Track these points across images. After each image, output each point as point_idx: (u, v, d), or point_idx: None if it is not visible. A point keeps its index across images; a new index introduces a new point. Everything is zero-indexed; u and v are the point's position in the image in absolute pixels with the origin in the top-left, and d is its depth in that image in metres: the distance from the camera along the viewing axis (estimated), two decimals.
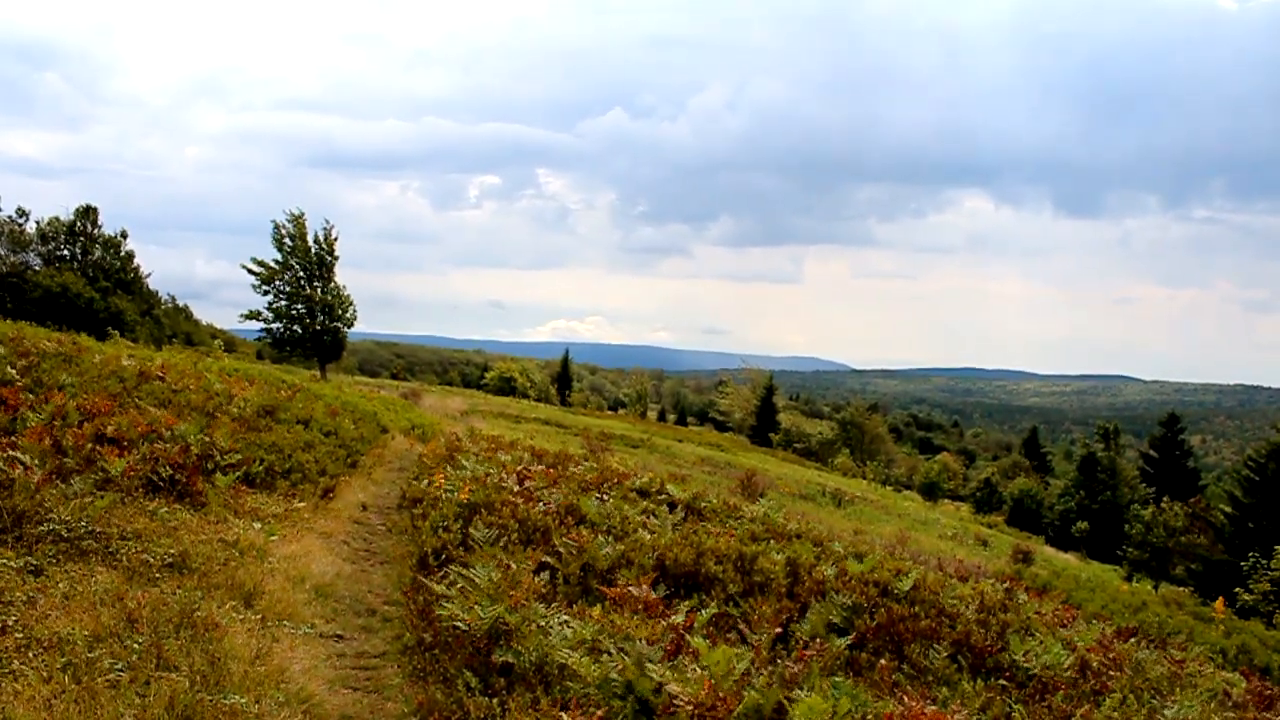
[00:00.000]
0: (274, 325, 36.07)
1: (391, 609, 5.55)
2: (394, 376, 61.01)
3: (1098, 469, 48.09)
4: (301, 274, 35.56)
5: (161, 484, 6.11)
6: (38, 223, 36.36)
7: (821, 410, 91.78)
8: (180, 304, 53.63)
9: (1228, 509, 32.33)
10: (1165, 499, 35.08)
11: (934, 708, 4.06)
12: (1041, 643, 5.91)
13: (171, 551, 4.96)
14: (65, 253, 36.72)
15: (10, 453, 5.64)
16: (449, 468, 9.02)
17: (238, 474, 7.17)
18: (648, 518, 7.54)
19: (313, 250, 35.69)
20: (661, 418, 75.34)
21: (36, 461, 5.64)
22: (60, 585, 4.14)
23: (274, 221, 35.87)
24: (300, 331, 35.49)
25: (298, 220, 35.62)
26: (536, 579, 5.07)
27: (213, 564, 5.04)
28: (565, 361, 71.70)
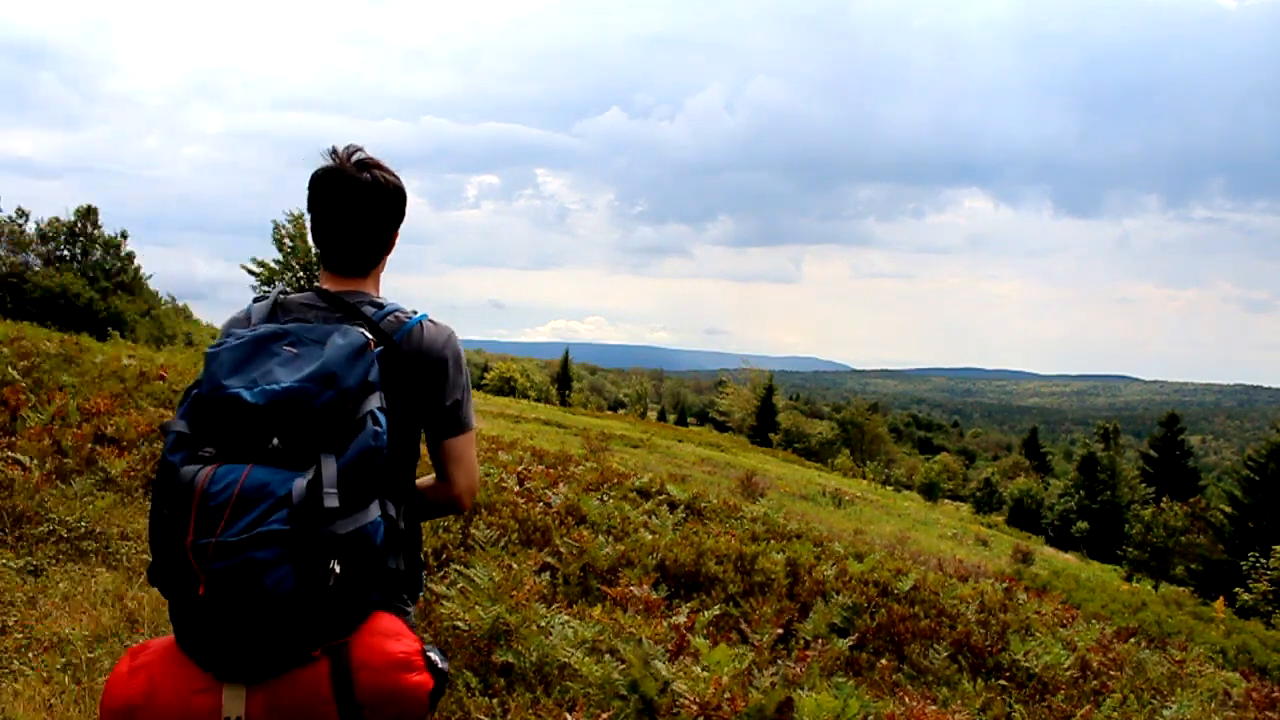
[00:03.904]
0: None
1: None
2: None
3: (1098, 469, 48.10)
4: (301, 274, 35.53)
5: None
6: (37, 223, 36.39)
7: (821, 410, 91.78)
8: (180, 304, 53.61)
9: (1228, 509, 32.38)
10: (1165, 499, 35.11)
11: (935, 708, 4.06)
12: (1041, 643, 5.91)
13: None
14: (65, 253, 36.74)
15: (10, 453, 5.64)
16: None
17: None
18: (648, 518, 7.54)
19: (313, 250, 35.68)
20: (661, 418, 75.32)
21: (36, 462, 5.64)
22: (60, 585, 4.14)
23: (274, 221, 35.83)
24: None
25: (298, 220, 35.60)
26: (538, 579, 5.07)
27: None
28: (565, 361, 71.70)
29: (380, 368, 1.64)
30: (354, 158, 1.79)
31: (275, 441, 1.51)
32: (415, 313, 1.84)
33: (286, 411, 1.51)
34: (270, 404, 1.51)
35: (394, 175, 1.83)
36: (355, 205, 1.77)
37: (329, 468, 1.49)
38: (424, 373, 1.80)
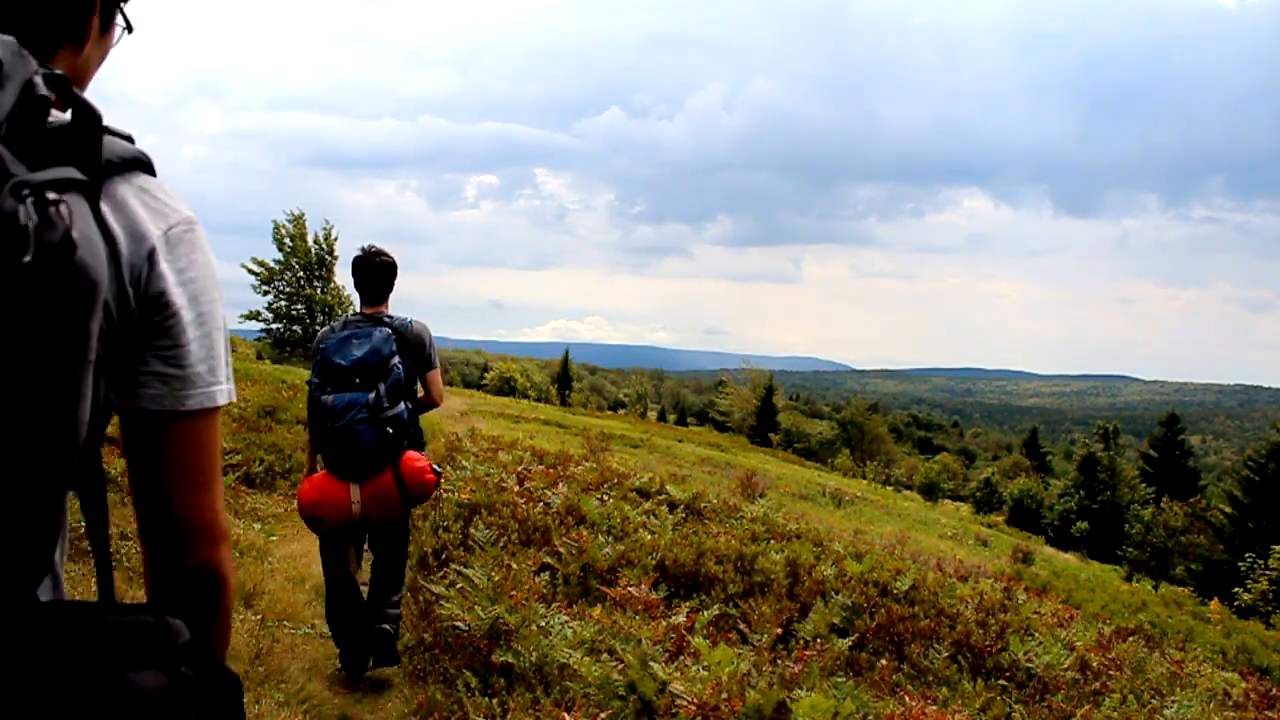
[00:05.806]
0: (274, 326, 35.99)
1: None
2: None
3: (1098, 469, 48.10)
4: (301, 274, 35.51)
5: None
6: None
7: (821, 410, 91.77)
8: None
9: (1228, 509, 32.39)
10: (1165, 499, 35.11)
11: (934, 708, 4.07)
12: (1041, 643, 5.91)
13: None
14: None
15: None
16: (449, 468, 9.01)
17: (238, 474, 7.17)
18: (648, 518, 7.54)
19: (313, 250, 35.64)
20: (661, 418, 75.28)
21: None
22: None
23: (275, 221, 35.82)
24: (300, 332, 35.45)
25: (298, 220, 35.57)
26: (537, 579, 5.07)
27: None
28: (565, 361, 71.65)
29: (397, 344, 3.74)
30: (372, 250, 3.91)
31: (357, 380, 3.61)
32: (407, 318, 3.90)
33: (360, 367, 3.61)
34: (352, 365, 3.62)
35: (391, 256, 3.93)
36: (376, 274, 3.90)
37: (381, 389, 3.62)
38: (416, 343, 3.88)
